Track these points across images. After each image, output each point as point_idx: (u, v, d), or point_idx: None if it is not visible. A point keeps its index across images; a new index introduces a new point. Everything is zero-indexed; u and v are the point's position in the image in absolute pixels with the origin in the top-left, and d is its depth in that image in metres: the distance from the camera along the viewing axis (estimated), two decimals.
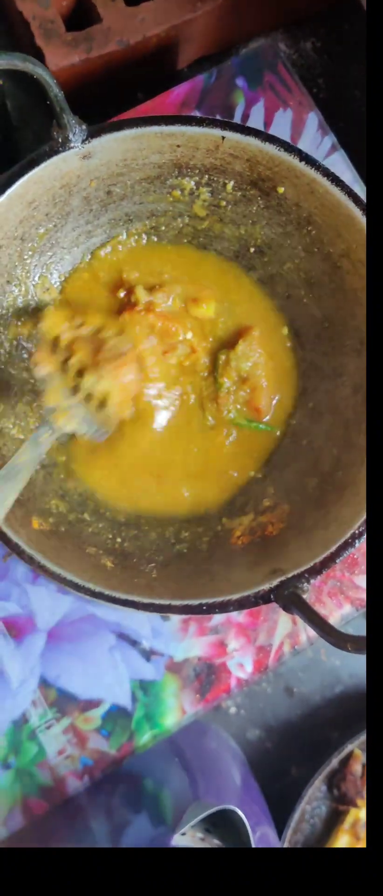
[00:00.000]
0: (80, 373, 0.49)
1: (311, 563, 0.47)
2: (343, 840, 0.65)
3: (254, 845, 0.53)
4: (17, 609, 0.58)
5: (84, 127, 0.50)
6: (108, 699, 0.57)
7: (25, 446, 0.46)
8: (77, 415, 0.49)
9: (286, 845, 0.63)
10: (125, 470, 0.51)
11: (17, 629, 0.58)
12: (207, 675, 0.58)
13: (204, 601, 0.47)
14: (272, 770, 0.71)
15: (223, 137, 0.51)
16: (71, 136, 0.50)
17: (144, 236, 0.57)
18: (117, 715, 0.57)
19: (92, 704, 0.57)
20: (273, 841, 0.61)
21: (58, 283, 0.56)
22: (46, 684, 0.57)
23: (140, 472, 0.53)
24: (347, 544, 0.47)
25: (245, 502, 0.53)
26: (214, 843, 0.50)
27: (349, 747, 0.65)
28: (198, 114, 0.60)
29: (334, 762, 0.65)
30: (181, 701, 0.57)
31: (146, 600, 0.47)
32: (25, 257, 0.54)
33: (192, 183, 0.54)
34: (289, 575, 0.47)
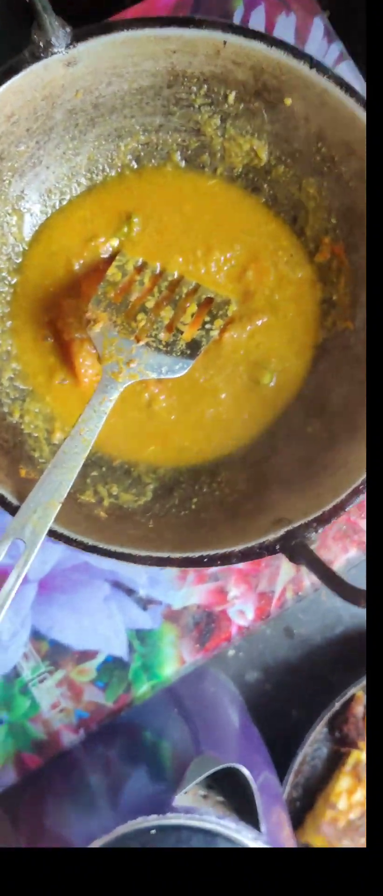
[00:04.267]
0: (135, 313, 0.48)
1: (319, 512, 0.44)
2: (344, 782, 0.64)
3: (256, 795, 0.51)
4: (5, 559, 0.55)
5: (68, 30, 0.45)
6: (104, 650, 0.55)
7: (84, 415, 0.43)
8: (142, 362, 0.46)
9: (288, 789, 0.62)
10: (123, 414, 0.47)
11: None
12: (207, 624, 0.55)
13: (205, 553, 0.44)
14: (271, 712, 0.69)
15: (225, 42, 0.46)
16: (53, 40, 0.44)
17: (134, 161, 0.51)
18: (113, 666, 0.55)
19: (87, 656, 0.55)
20: (275, 787, 0.60)
21: (40, 211, 0.51)
22: (38, 636, 0.55)
23: (141, 421, 0.50)
24: (357, 491, 0.44)
25: (247, 452, 0.50)
26: (217, 799, 0.49)
27: (352, 691, 0.64)
28: None
29: (337, 706, 0.63)
30: (180, 650, 0.55)
31: (143, 553, 0.44)
32: (4, 179, 0.49)
33: (191, 94, 0.49)
34: (296, 524, 0.44)
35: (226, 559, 0.44)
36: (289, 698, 0.69)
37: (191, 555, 0.44)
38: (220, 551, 0.44)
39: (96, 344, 0.47)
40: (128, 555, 0.44)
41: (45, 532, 0.43)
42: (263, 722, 0.66)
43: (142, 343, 0.47)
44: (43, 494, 0.43)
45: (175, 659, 0.55)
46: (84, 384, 0.50)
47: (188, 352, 0.47)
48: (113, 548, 0.44)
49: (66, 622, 0.55)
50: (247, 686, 0.69)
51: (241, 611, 0.56)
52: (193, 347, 0.47)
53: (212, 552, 0.44)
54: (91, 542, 0.44)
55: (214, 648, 0.56)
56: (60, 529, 0.44)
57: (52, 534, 0.44)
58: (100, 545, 0.44)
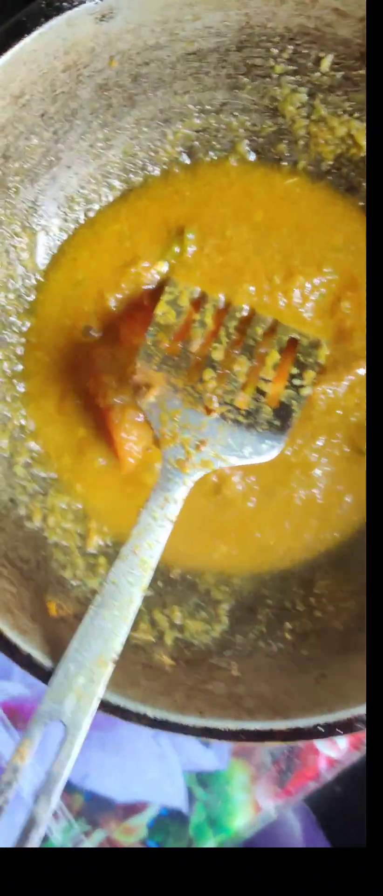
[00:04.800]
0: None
1: None
2: None
3: None
4: (22, 689, 0.42)
5: None
6: (156, 800, 0.42)
7: (140, 524, 0.31)
8: (216, 441, 0.33)
9: None
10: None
11: (24, 716, 0.42)
12: (288, 759, 0.43)
13: (320, 719, 0.31)
14: (343, 819, 0.57)
15: None
16: None
17: (185, 155, 0.37)
18: (169, 820, 0.42)
19: (134, 809, 0.42)
20: None
21: (58, 228, 0.37)
22: (70, 788, 0.42)
23: (207, 513, 0.36)
24: None
25: (352, 551, 0.37)
26: None
27: None
28: None
29: None
30: (254, 795, 0.42)
31: (233, 725, 0.31)
32: (9, 185, 0.35)
33: (269, 59, 0.35)
34: None
35: (349, 726, 0.31)
36: (364, 801, 0.56)
37: (300, 724, 0.31)
38: (343, 715, 0.31)
39: (151, 419, 0.33)
40: (212, 730, 0.31)
41: (94, 708, 0.29)
42: (334, 833, 0.54)
43: (215, 416, 0.33)
44: (86, 649, 0.30)
45: (248, 807, 0.42)
46: (128, 465, 0.37)
47: (276, 422, 0.34)
48: (190, 721, 0.31)
49: (106, 767, 0.42)
50: (313, 790, 0.57)
51: (331, 739, 0.43)
52: (283, 415, 0.34)
53: (330, 717, 0.31)
54: (158, 713, 0.31)
55: (298, 789, 0.43)
56: (114, 699, 0.31)
57: (104, 706, 0.31)
58: (172, 718, 0.31)
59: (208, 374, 0.34)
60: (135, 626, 0.35)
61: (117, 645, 0.30)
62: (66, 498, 0.37)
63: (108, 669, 0.30)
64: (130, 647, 0.34)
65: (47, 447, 0.37)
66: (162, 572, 0.36)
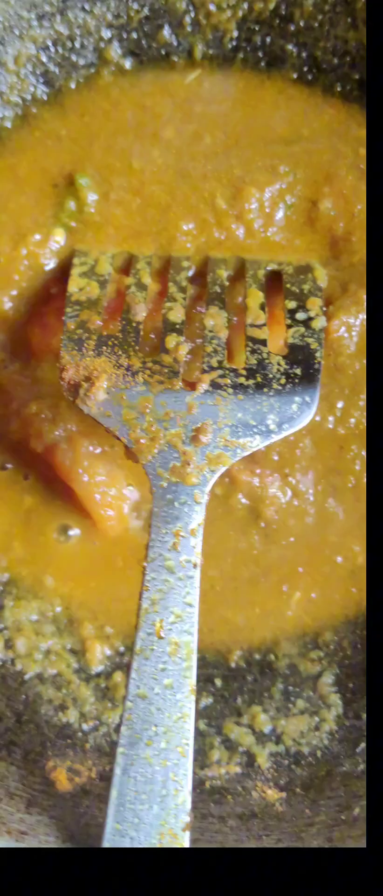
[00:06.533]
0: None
1: None
2: None
3: None
4: None
5: None
6: None
7: (152, 590, 0.20)
8: (222, 421, 0.23)
9: None
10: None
11: None
12: None
13: None
14: None
15: None
16: None
17: (42, 84, 0.27)
18: None
19: None
20: None
21: None
22: None
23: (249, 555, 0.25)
24: None
25: None
26: None
27: None
28: None
29: None
30: None
31: None
32: None
33: None
34: None
35: None
36: None
37: None
38: None
39: (108, 423, 0.22)
40: None
41: None
42: None
43: (202, 388, 0.23)
44: (136, 828, 0.19)
45: None
46: (108, 522, 0.24)
47: (297, 370, 0.24)
48: None
49: None
50: None
51: None
52: (302, 360, 0.24)
53: None
54: None
55: None
56: None
57: None
58: None
59: (173, 340, 0.23)
60: (202, 760, 0.21)
61: (183, 798, 0.17)
62: (33, 604, 0.23)
63: (182, 843, 0.17)
64: (205, 793, 0.20)
65: None
66: (215, 664, 0.24)
